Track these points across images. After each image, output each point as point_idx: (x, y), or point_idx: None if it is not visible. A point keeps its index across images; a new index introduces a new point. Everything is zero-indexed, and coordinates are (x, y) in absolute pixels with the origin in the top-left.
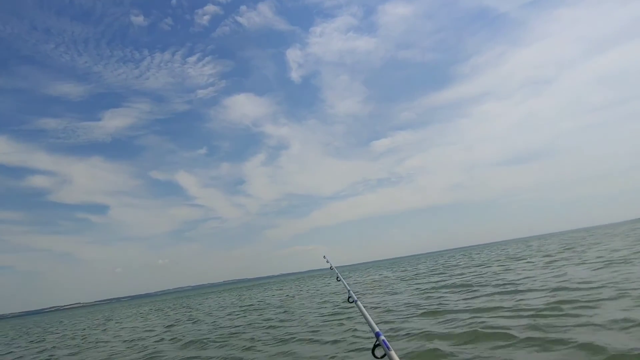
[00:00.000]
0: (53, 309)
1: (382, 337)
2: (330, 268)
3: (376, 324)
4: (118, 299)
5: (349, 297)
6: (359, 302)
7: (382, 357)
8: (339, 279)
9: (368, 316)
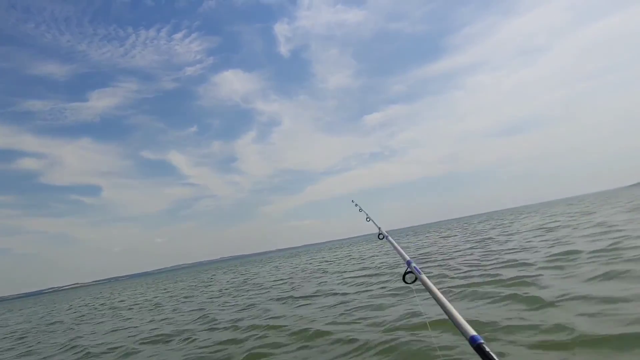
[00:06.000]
0: (52, 290)
1: (413, 265)
2: (360, 210)
3: None
4: (116, 279)
5: (379, 234)
6: (389, 237)
7: (412, 282)
8: (368, 219)
9: (399, 247)
